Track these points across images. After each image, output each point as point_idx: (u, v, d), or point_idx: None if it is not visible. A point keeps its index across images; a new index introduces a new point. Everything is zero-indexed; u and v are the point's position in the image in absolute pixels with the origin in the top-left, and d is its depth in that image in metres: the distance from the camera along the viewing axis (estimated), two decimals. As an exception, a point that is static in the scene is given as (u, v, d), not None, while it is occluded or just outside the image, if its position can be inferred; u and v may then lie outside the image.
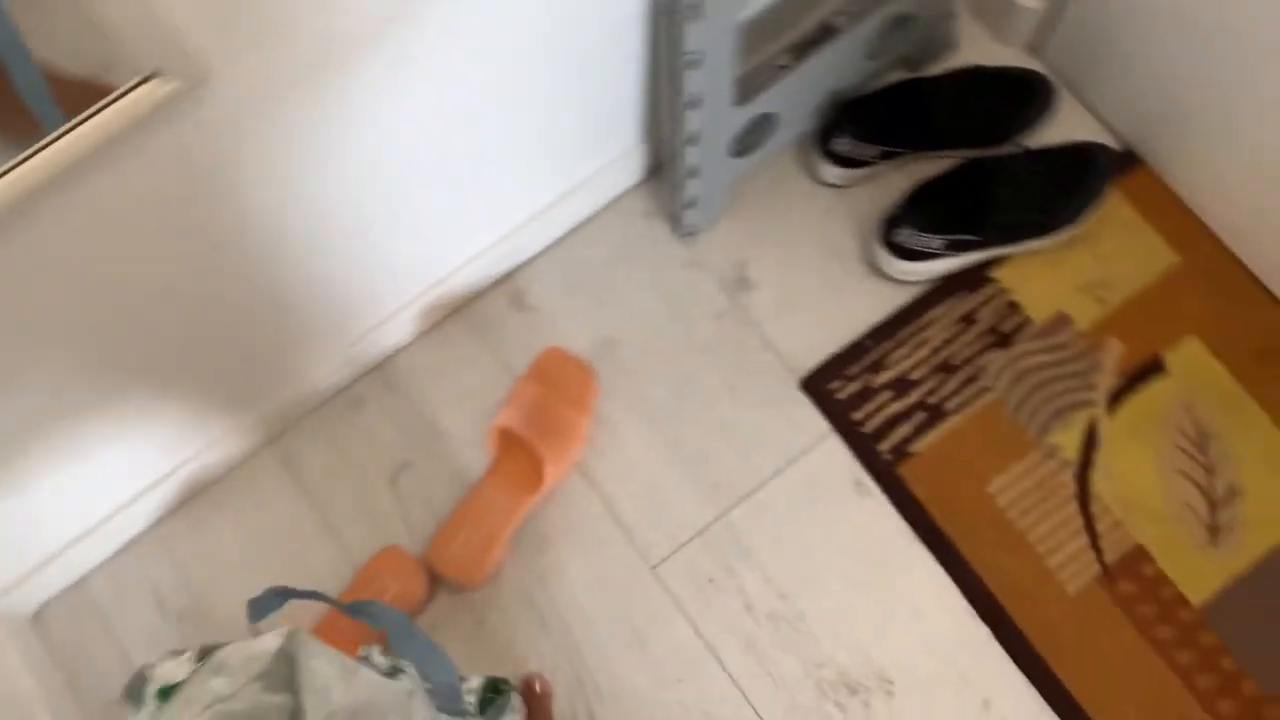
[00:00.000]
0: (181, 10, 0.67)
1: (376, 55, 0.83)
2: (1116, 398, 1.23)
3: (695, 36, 0.99)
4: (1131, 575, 1.18)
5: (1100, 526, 1.19)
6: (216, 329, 1.03)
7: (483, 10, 0.88)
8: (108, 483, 1.16)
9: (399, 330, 1.25)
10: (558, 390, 1.22)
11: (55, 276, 0.81)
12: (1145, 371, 1.24)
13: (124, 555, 1.23)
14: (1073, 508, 1.20)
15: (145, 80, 0.71)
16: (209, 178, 0.83)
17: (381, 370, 1.27)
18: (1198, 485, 1.20)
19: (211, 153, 0.80)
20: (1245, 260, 1.26)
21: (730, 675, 1.17)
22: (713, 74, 1.05)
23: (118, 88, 0.70)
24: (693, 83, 1.05)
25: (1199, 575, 1.18)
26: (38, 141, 0.70)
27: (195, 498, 1.24)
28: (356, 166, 0.94)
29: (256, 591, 1.20)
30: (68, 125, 0.70)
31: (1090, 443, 1.22)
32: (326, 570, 1.20)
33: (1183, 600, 1.17)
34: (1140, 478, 1.21)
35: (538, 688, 1.12)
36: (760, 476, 1.23)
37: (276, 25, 0.73)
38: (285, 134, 0.84)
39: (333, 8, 0.76)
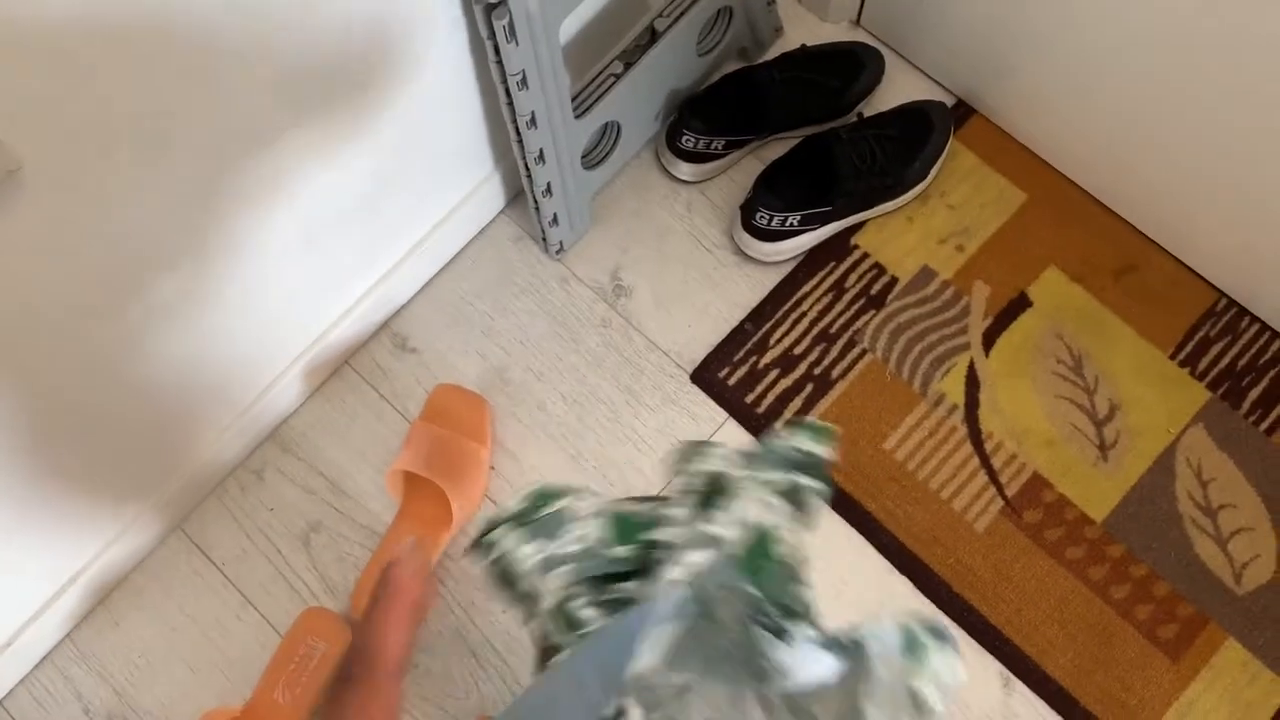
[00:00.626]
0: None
1: (200, 137, 0.84)
2: (990, 338, 1.27)
3: (517, 57, 1.01)
4: (1034, 503, 1.22)
5: (996, 462, 1.23)
6: (95, 422, 1.02)
7: (308, 69, 0.90)
8: (13, 597, 1.13)
9: (287, 395, 1.24)
10: (453, 425, 1.23)
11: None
12: (1013, 308, 1.28)
13: (42, 669, 1.20)
14: (968, 449, 1.24)
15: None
16: (48, 266, 0.83)
17: (276, 436, 1.27)
18: (1080, 407, 1.25)
19: (44, 240, 0.80)
20: (1086, 187, 1.31)
21: (669, 672, 1.18)
22: (545, 91, 1.08)
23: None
24: (526, 102, 1.07)
25: (1097, 492, 1.22)
26: None
27: (108, 596, 1.22)
28: (202, 240, 0.95)
29: (182, 676, 1.19)
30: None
31: (973, 384, 1.26)
32: (251, 642, 1.19)
33: (1086, 519, 1.21)
34: (1026, 409, 1.25)
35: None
36: (669, 474, 1.25)
37: (79, 114, 0.74)
38: (121, 219, 0.84)
39: (139, 95, 0.77)
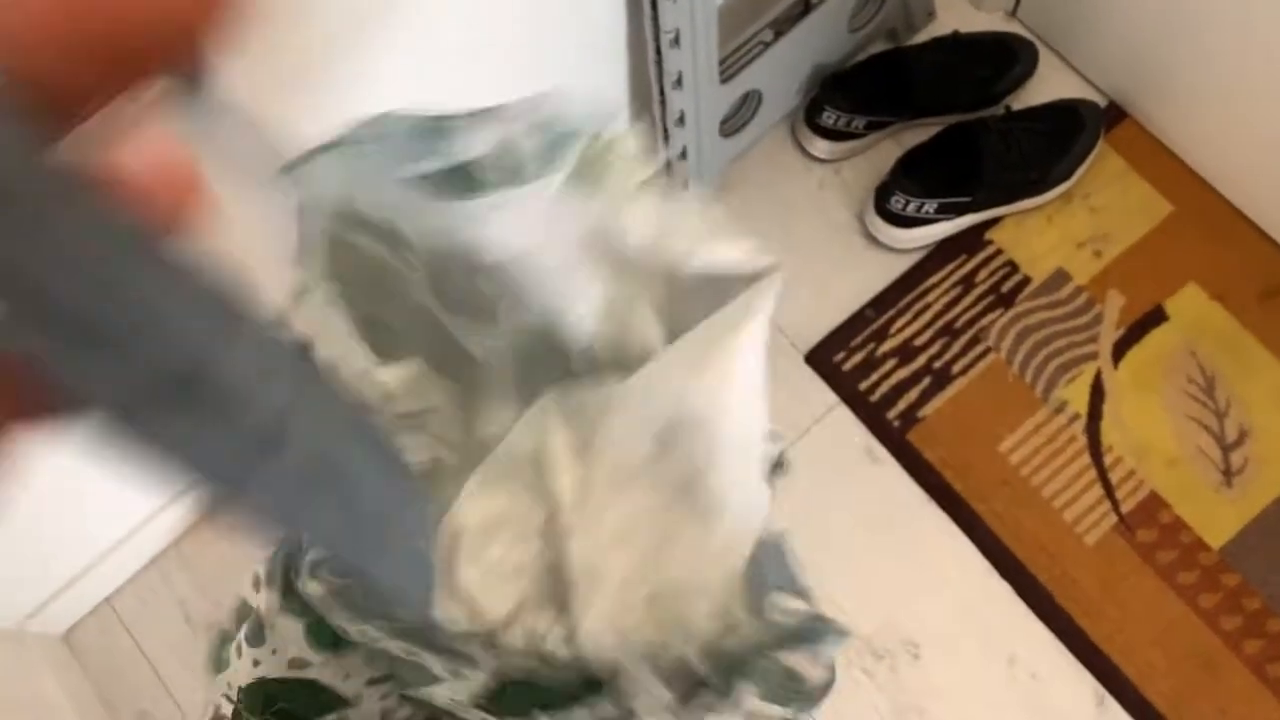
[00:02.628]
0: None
1: (355, 56, 0.85)
2: (1121, 349, 1.23)
3: (673, 15, 1.00)
4: (1149, 523, 1.18)
5: (1114, 477, 1.19)
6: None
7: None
8: (129, 499, 1.17)
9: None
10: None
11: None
12: (1147, 321, 1.24)
13: (149, 571, 1.24)
14: (1085, 460, 1.20)
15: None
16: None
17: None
18: (1208, 429, 1.20)
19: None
20: (1237, 204, 1.26)
21: (755, 649, 1.17)
22: (695, 52, 1.07)
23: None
24: (675, 62, 1.06)
25: (1216, 518, 1.18)
26: None
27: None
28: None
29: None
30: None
31: (1098, 395, 1.22)
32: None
33: (1202, 544, 1.17)
34: (1151, 426, 1.21)
35: None
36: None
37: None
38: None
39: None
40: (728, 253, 0.42)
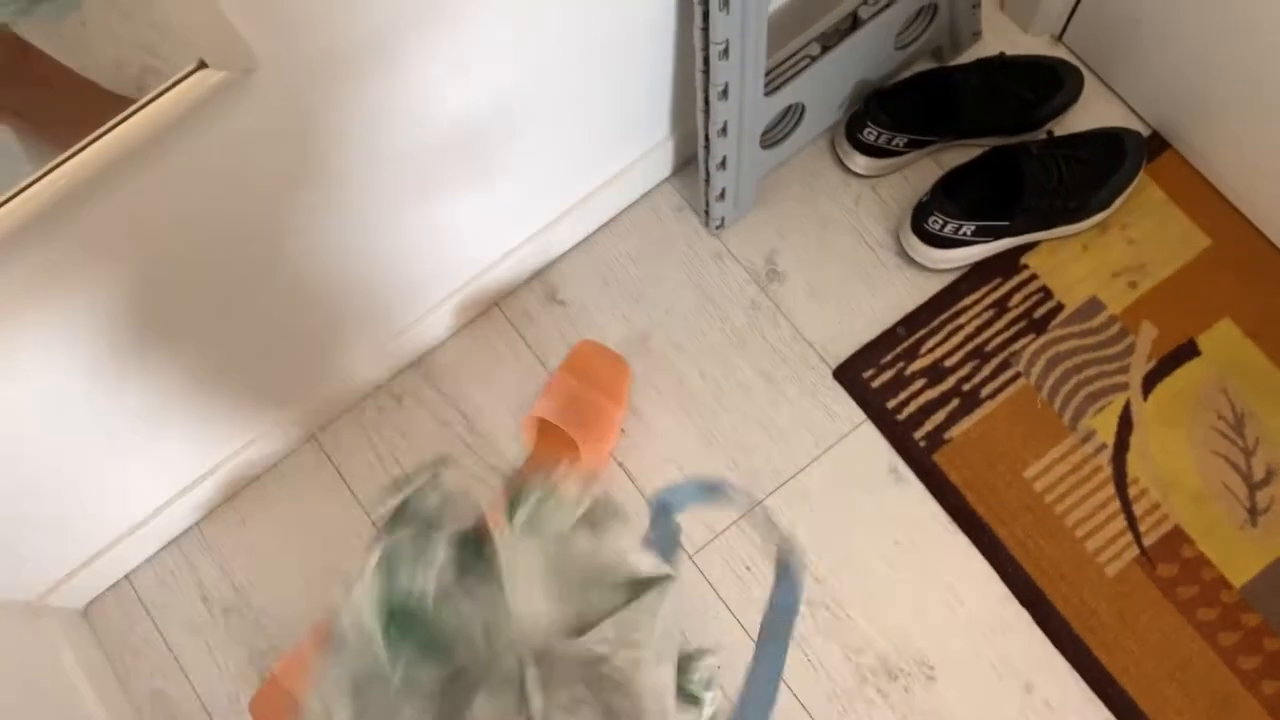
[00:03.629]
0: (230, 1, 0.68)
1: (416, 50, 0.85)
2: (1151, 381, 1.23)
3: (725, 26, 1.00)
4: (1171, 557, 1.18)
5: (1138, 509, 1.19)
6: (258, 327, 1.05)
7: (520, 4, 0.90)
8: (152, 481, 1.18)
9: (436, 326, 1.26)
10: (591, 380, 1.23)
11: (93, 273, 0.83)
12: (1179, 355, 1.24)
13: (169, 551, 1.25)
14: (1110, 491, 1.20)
15: (194, 71, 0.73)
16: (257, 170, 0.85)
17: (420, 365, 1.29)
18: (1235, 466, 1.20)
19: (260, 145, 0.82)
20: (1277, 242, 1.25)
21: (770, 662, 1.17)
22: (742, 64, 1.07)
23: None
24: (723, 73, 1.06)
25: (1240, 556, 1.17)
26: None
27: (238, 494, 1.26)
28: (397, 159, 0.96)
29: (298, 584, 1.22)
30: (114, 120, 0.72)
31: (1125, 426, 1.22)
32: (368, 563, 1.22)
33: (1224, 581, 1.17)
34: (1177, 460, 1.20)
35: None
36: (796, 464, 1.23)
37: (322, 16, 0.75)
38: (331, 125, 0.86)
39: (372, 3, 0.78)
40: (641, 561, 0.61)
